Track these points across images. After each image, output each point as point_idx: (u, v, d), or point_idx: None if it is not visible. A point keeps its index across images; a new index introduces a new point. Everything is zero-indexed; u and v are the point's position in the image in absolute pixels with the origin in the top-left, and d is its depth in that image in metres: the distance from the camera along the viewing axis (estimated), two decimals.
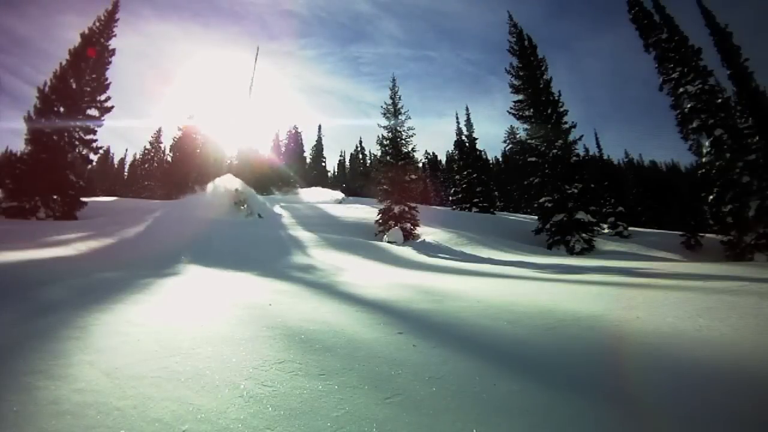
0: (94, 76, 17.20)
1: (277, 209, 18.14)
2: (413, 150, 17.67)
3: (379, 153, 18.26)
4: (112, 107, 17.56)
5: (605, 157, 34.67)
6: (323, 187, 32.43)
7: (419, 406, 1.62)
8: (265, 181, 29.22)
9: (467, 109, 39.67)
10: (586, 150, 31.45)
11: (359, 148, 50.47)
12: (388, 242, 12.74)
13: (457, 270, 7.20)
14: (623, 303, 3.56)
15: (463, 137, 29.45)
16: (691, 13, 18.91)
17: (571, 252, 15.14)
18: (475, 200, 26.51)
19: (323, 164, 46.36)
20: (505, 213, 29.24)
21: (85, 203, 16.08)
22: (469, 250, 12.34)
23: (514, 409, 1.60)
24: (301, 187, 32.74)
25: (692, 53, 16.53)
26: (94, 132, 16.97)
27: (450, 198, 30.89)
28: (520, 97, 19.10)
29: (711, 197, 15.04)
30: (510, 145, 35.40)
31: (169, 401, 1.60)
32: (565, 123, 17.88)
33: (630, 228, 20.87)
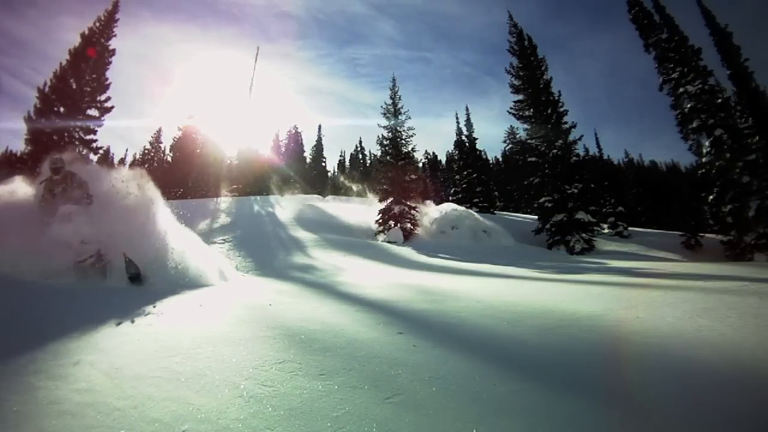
0: (94, 76, 17.23)
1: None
2: (413, 150, 17.68)
3: (379, 153, 18.28)
4: (112, 107, 17.61)
5: (605, 157, 34.74)
6: (321, 187, 29.09)
7: (419, 406, 1.62)
8: (266, 181, 28.91)
9: (467, 109, 39.57)
10: (586, 150, 31.48)
11: (359, 148, 50.36)
12: (388, 242, 12.75)
13: (457, 270, 7.20)
14: (623, 303, 3.56)
15: (463, 137, 29.38)
16: (691, 13, 18.92)
17: (571, 252, 15.12)
18: (475, 200, 26.46)
19: (323, 164, 46.29)
20: (505, 213, 29.17)
21: None
22: None
23: (514, 409, 1.60)
24: (301, 188, 29.93)
25: (692, 53, 16.52)
26: (94, 132, 17.03)
27: (450, 198, 30.81)
28: (520, 97, 19.07)
29: (711, 197, 15.03)
30: (510, 145, 35.32)
31: (169, 401, 1.60)
32: (565, 123, 17.85)
33: (630, 228, 20.82)
